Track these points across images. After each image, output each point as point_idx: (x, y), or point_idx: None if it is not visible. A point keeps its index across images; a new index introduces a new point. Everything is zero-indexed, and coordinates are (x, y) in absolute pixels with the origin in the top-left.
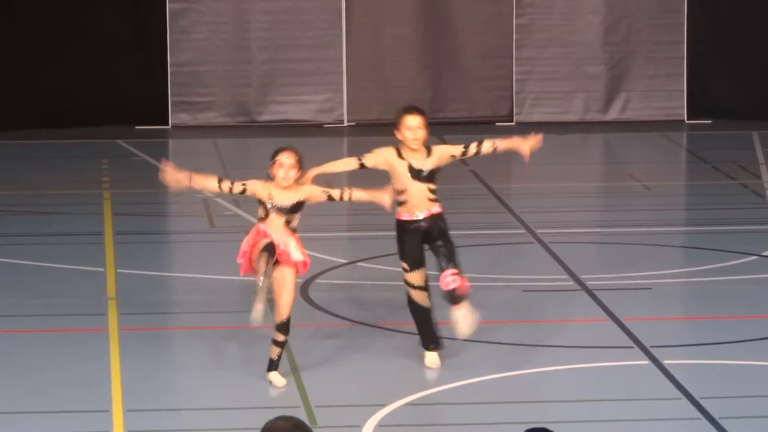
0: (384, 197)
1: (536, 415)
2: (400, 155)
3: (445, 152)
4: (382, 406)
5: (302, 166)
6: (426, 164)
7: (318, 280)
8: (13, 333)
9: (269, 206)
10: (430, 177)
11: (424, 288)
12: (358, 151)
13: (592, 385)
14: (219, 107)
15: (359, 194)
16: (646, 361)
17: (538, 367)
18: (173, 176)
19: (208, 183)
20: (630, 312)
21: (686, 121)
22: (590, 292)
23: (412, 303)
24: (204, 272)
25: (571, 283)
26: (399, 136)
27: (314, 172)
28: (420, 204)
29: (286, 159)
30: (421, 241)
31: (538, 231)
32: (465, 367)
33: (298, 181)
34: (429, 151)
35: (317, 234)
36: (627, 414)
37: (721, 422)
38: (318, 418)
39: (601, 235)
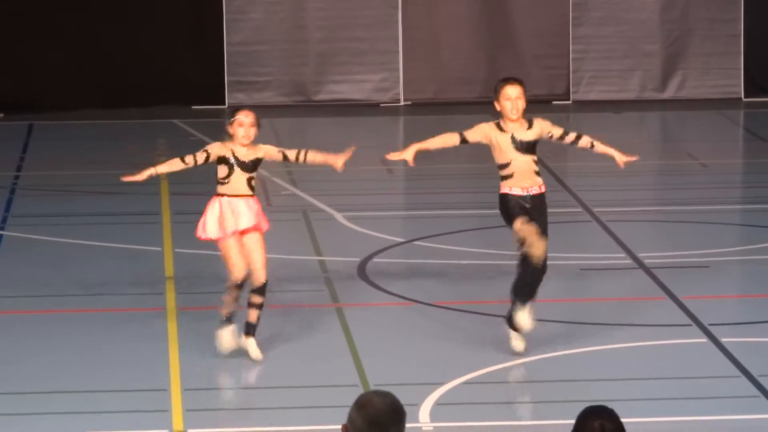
0: (338, 160)
1: (594, 393)
2: (500, 128)
3: (546, 128)
4: (440, 384)
5: (259, 124)
6: (528, 135)
7: (375, 259)
8: (73, 312)
9: (233, 162)
10: (533, 148)
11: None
12: (413, 130)
13: (650, 363)
14: (275, 87)
15: (314, 156)
16: (704, 339)
17: (594, 346)
18: (140, 176)
19: (173, 165)
20: (687, 290)
21: (743, 99)
22: (647, 270)
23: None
24: None
25: (629, 261)
26: (498, 107)
27: (416, 147)
28: (527, 177)
29: (245, 118)
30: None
31: (595, 209)
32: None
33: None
34: (530, 123)
35: (374, 213)
36: (685, 392)
37: None
38: None
39: (658, 213)
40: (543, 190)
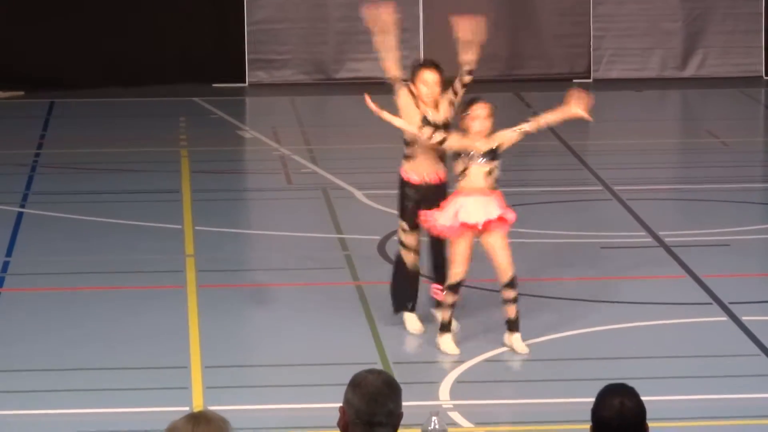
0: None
1: (615, 371)
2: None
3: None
4: (461, 362)
5: (495, 116)
6: (438, 117)
7: (395, 237)
8: (94, 290)
9: (472, 156)
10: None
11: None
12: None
13: (671, 341)
14: (295, 65)
15: (546, 118)
16: (725, 318)
17: (616, 324)
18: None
19: (405, 124)
20: (708, 268)
21: (764, 78)
22: (668, 249)
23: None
24: (282, 229)
25: (649, 239)
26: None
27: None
28: (427, 163)
29: (481, 110)
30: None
31: (616, 188)
32: (542, 324)
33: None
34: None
35: (394, 191)
36: (706, 370)
37: None
38: (396, 374)
39: (679, 192)
40: (442, 178)
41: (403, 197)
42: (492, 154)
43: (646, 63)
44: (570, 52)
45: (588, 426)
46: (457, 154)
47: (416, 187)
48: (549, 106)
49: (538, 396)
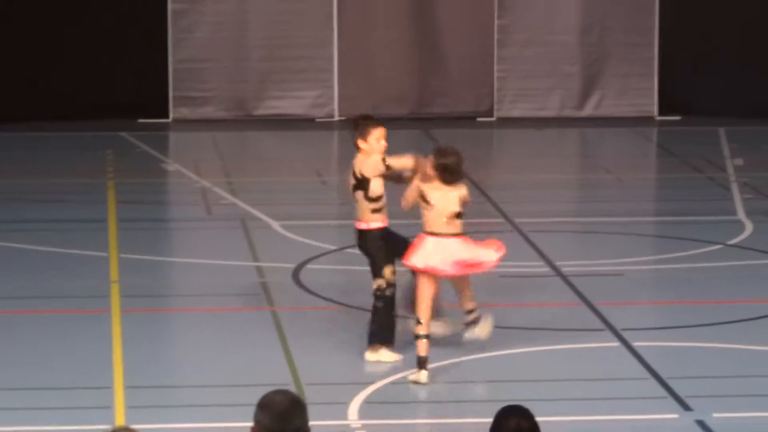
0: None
1: (512, 393)
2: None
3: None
4: (369, 384)
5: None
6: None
7: (309, 266)
8: (20, 313)
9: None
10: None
11: None
12: (347, 144)
13: (566, 365)
14: (217, 102)
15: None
16: (617, 343)
17: (514, 348)
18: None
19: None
20: (602, 297)
21: (656, 118)
22: (565, 278)
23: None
24: (202, 258)
25: (547, 269)
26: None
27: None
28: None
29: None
30: None
31: (516, 220)
32: (445, 349)
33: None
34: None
35: (309, 222)
36: (599, 393)
37: (687, 401)
38: (308, 395)
39: (576, 224)
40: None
41: (383, 245)
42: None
43: (546, 103)
44: (475, 92)
45: None
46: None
47: (386, 229)
48: (455, 142)
49: (440, 416)
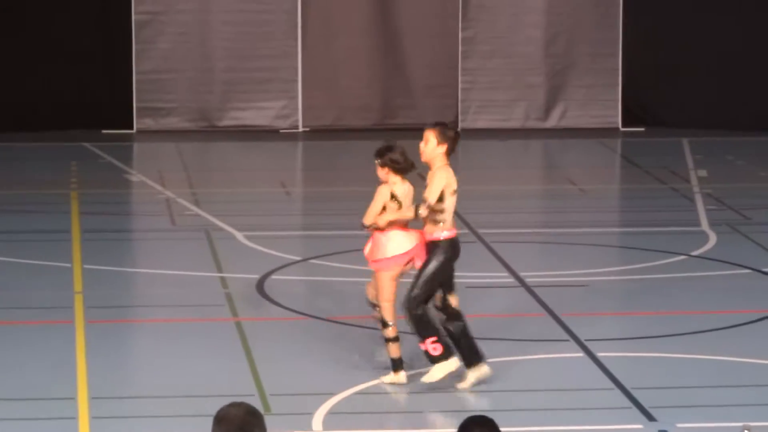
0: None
1: (477, 404)
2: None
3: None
4: (333, 394)
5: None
6: None
7: (273, 276)
8: None
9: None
10: None
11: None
12: (311, 155)
13: (530, 375)
14: (181, 113)
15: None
16: (581, 354)
17: None
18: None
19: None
20: (566, 307)
21: (620, 129)
22: (529, 289)
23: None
24: (165, 268)
25: (511, 279)
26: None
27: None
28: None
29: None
30: None
31: (480, 231)
32: (411, 359)
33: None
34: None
35: (273, 233)
36: (562, 403)
37: (651, 411)
38: (272, 406)
39: (540, 235)
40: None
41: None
42: None
43: (510, 114)
44: (439, 103)
45: None
46: None
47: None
48: (417, 154)
49: (405, 427)
